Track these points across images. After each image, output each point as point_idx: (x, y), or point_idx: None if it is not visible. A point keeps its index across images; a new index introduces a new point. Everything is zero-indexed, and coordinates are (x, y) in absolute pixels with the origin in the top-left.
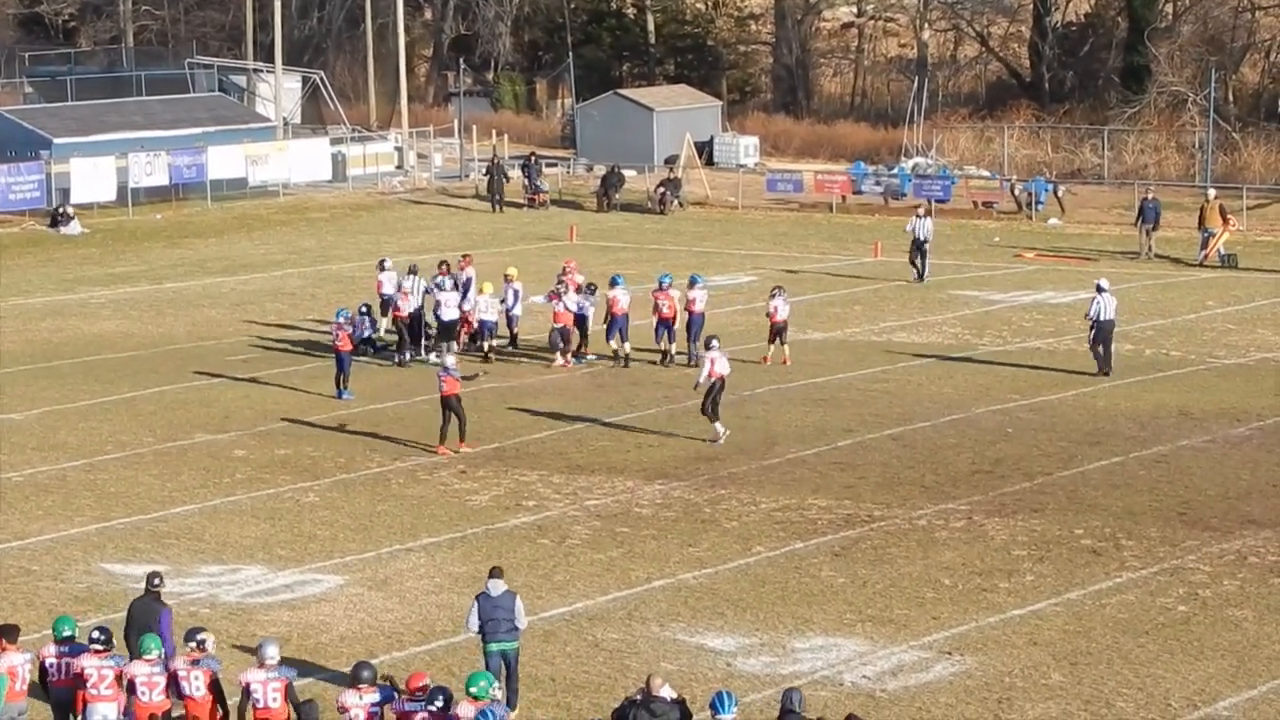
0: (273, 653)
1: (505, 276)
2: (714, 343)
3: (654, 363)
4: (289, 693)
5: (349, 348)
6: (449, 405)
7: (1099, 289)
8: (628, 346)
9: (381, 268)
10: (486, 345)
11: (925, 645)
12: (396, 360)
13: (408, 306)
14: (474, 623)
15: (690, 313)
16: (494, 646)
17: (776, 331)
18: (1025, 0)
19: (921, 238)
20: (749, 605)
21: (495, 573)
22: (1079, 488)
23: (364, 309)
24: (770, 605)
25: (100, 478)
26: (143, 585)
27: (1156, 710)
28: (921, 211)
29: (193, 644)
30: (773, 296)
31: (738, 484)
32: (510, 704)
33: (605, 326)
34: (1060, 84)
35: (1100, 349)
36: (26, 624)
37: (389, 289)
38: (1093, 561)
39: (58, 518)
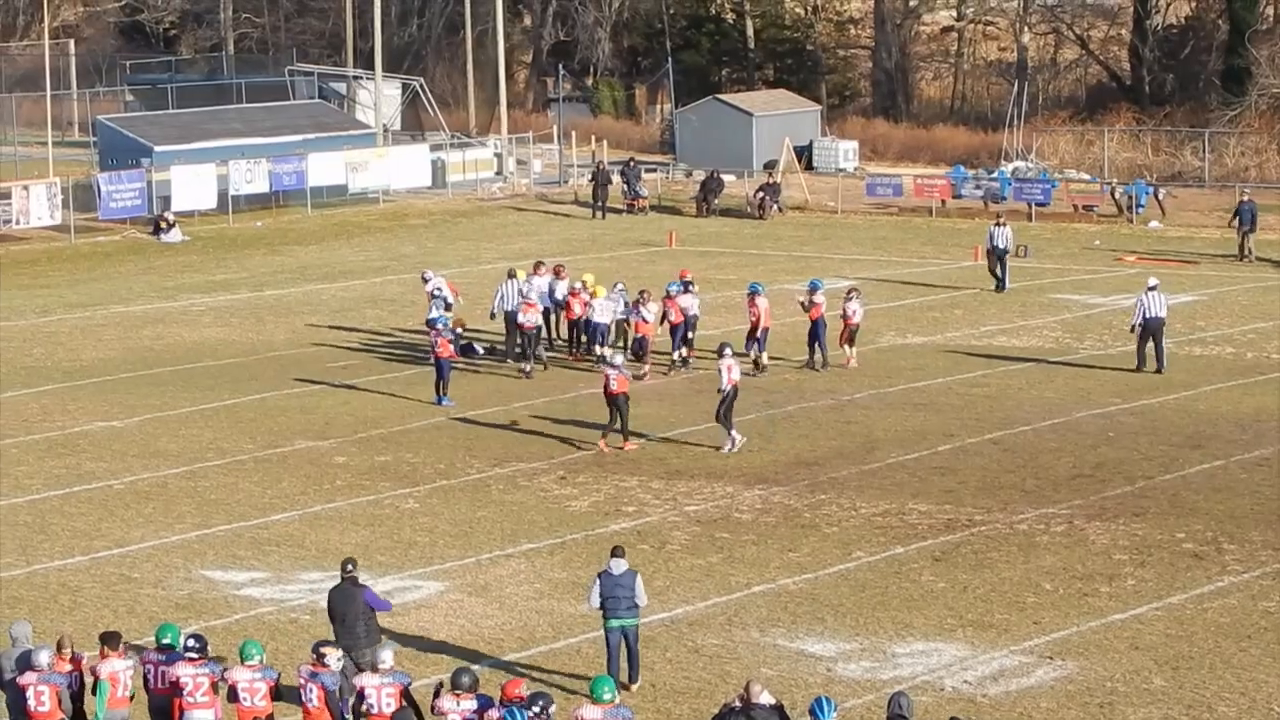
0: (387, 658)
1: (582, 284)
2: (727, 350)
3: (750, 373)
4: (404, 697)
5: (449, 354)
6: (615, 403)
7: (1149, 287)
8: (684, 351)
9: (425, 280)
10: (598, 349)
11: (1026, 650)
12: (525, 371)
13: (531, 317)
14: (595, 600)
15: (812, 320)
16: (614, 623)
17: (851, 334)
18: (1125, 3)
19: (1002, 246)
20: (849, 610)
21: (617, 551)
22: (1180, 491)
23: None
24: (870, 610)
25: (201, 484)
26: (244, 591)
27: (1259, 715)
28: (1002, 219)
29: (314, 655)
30: (848, 299)
31: (837, 489)
32: (632, 678)
33: (669, 332)
34: (1160, 87)
35: (1147, 347)
36: (128, 631)
37: (442, 292)
38: (1194, 565)
39: (159, 524)
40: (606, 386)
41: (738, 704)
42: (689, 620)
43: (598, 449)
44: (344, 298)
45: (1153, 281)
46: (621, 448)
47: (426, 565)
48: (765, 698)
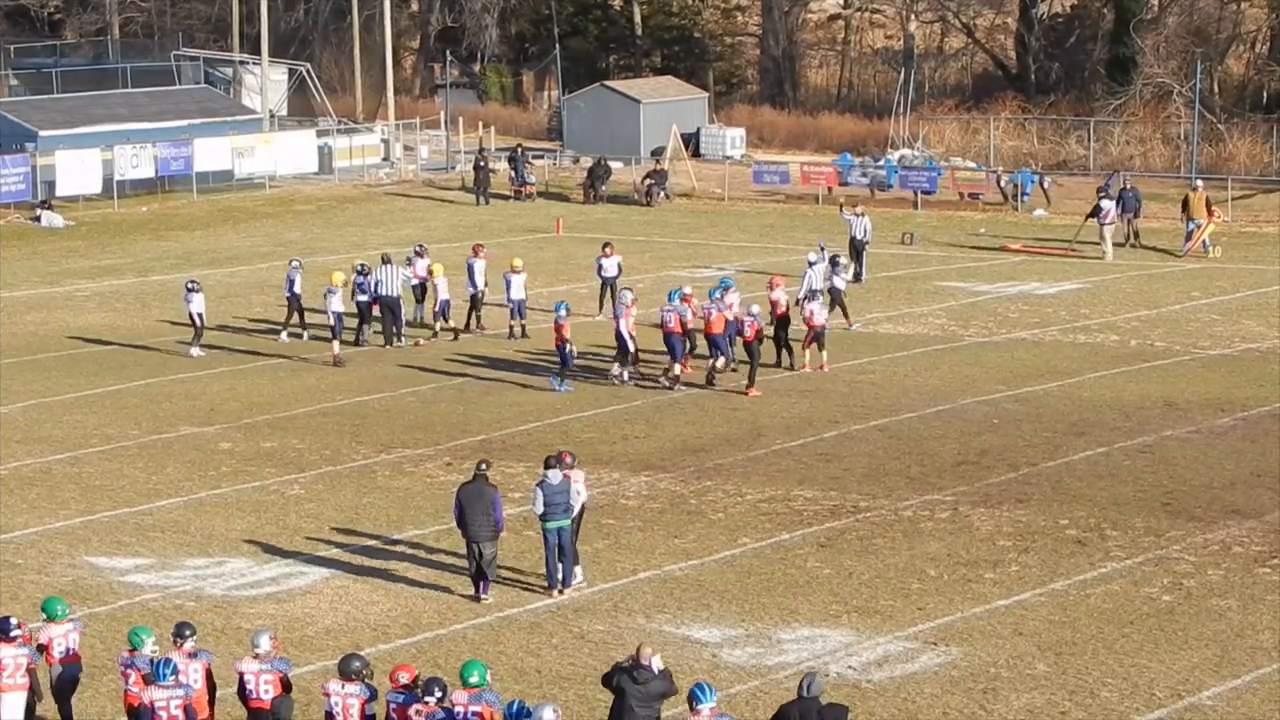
0: (264, 643)
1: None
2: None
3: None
4: (285, 686)
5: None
6: (749, 350)
7: (810, 263)
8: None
9: (188, 290)
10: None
11: (911, 636)
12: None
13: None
14: (539, 506)
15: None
16: (551, 525)
17: (815, 335)
18: None
19: (859, 236)
20: (735, 597)
21: (550, 463)
22: (1064, 478)
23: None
24: (756, 596)
25: (85, 471)
26: (128, 578)
27: (1141, 700)
28: (859, 210)
29: (182, 640)
30: (809, 299)
31: (724, 475)
32: (566, 582)
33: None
34: (1046, 75)
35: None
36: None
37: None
38: (1077, 552)
39: (42, 511)
40: (740, 331)
41: (627, 664)
42: (575, 606)
43: (748, 394)
44: (230, 283)
45: (812, 258)
46: (745, 393)
47: (312, 551)
48: (656, 662)
